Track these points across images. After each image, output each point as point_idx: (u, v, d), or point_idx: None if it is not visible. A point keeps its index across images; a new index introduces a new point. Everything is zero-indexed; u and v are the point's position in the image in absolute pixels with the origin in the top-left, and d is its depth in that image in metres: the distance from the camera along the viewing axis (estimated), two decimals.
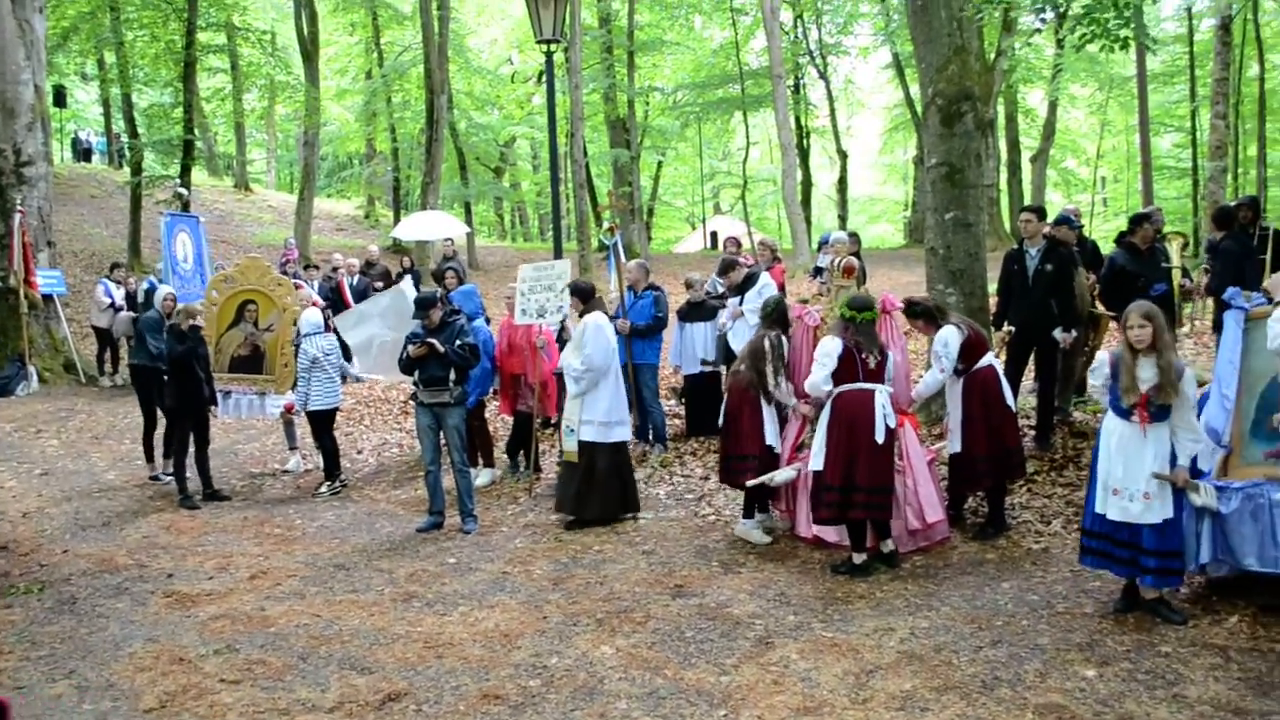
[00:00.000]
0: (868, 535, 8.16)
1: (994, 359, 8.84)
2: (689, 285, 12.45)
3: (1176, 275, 11.18)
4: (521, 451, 11.83)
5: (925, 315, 8.84)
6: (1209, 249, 10.89)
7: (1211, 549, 6.88)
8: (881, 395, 8.06)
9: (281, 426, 13.36)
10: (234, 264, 14.11)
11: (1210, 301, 10.93)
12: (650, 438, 11.90)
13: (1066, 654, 6.33)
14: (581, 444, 9.78)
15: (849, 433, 7.95)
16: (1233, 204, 12.37)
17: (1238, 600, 6.97)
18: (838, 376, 8.03)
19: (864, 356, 8.04)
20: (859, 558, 8.06)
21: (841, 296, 9.13)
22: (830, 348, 8.05)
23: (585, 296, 10.26)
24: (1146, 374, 6.65)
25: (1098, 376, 6.97)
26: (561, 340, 11.51)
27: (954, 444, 8.68)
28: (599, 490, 9.84)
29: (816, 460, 8.09)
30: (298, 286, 16.45)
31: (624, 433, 10.02)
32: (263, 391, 12.60)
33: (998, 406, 8.61)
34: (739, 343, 10.86)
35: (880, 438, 7.91)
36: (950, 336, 8.56)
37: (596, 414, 9.78)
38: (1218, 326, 10.64)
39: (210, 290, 12.81)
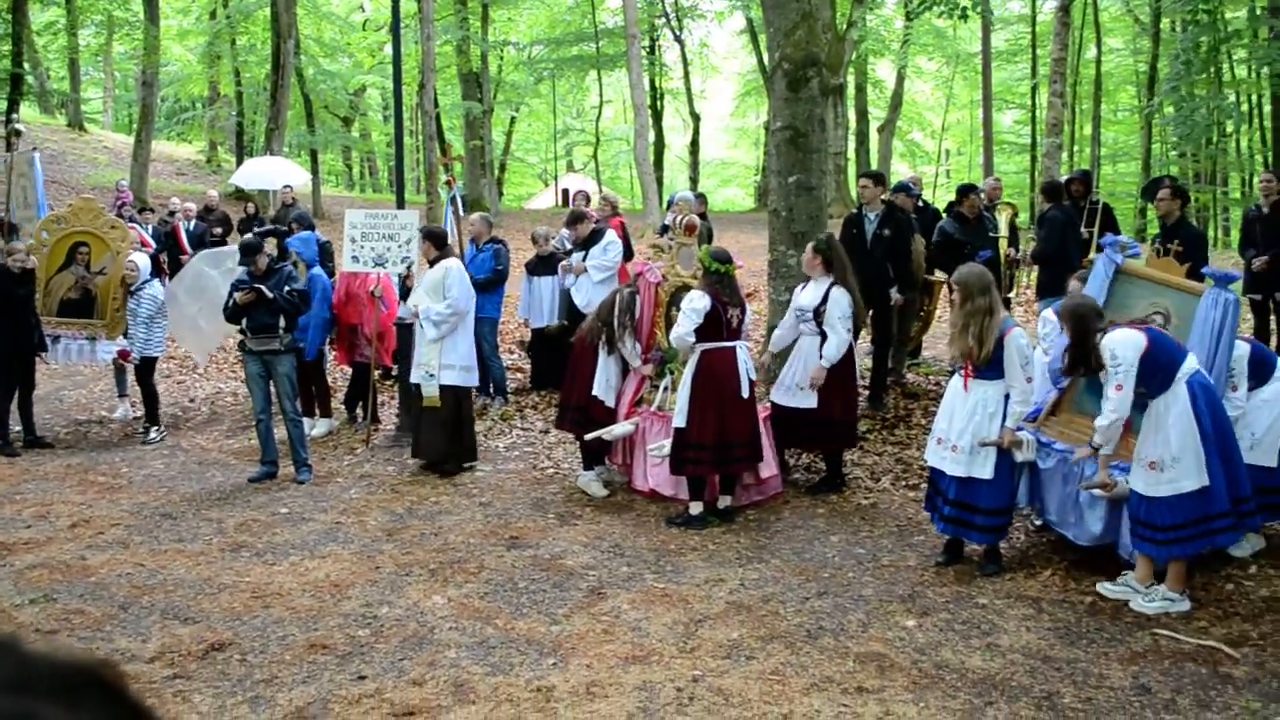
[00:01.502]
0: (707, 489, 8.27)
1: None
2: (535, 240, 12.38)
3: (1003, 244, 11.58)
4: (360, 402, 11.65)
5: (824, 257, 8.82)
6: (1038, 220, 11.29)
7: (1027, 497, 7.24)
8: (743, 351, 8.20)
9: (112, 373, 12.90)
10: (66, 205, 13.53)
11: (1036, 269, 11.34)
12: (490, 391, 11.83)
13: (889, 605, 6.52)
14: (444, 388, 9.69)
15: (717, 391, 8.03)
16: (1064, 178, 12.81)
17: (1052, 556, 7.27)
18: (702, 333, 8.04)
19: (728, 315, 8.09)
20: (696, 508, 8.16)
21: (682, 255, 9.19)
22: (700, 304, 8.05)
23: (439, 242, 10.10)
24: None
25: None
26: (405, 290, 11.33)
27: (808, 401, 8.73)
28: (468, 432, 9.94)
29: (679, 417, 8.13)
30: (131, 227, 15.93)
31: (475, 379, 10.05)
32: (93, 336, 12.14)
33: (848, 368, 8.80)
34: (582, 297, 10.83)
35: (745, 393, 8.05)
36: (845, 300, 8.64)
37: (458, 358, 9.74)
38: (1041, 292, 11.03)
39: (40, 231, 12.26)
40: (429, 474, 9.78)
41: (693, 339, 8.04)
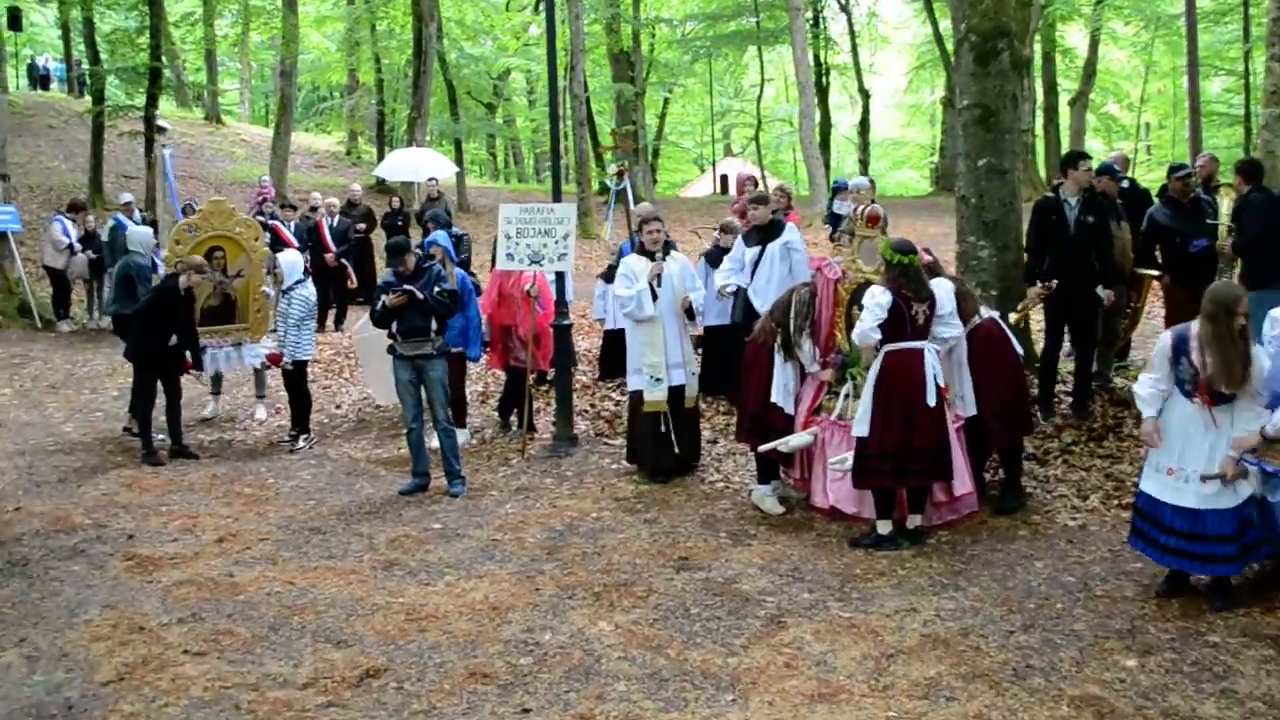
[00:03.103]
0: (896, 505, 8.10)
1: (992, 312, 8.77)
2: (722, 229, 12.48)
3: (1223, 231, 10.98)
4: (514, 409, 11.76)
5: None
6: (1235, 206, 10.71)
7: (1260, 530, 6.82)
8: (930, 353, 7.97)
9: (253, 376, 13.28)
10: (196, 210, 13.95)
11: (1239, 263, 10.73)
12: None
13: (1105, 642, 6.26)
14: (674, 390, 9.91)
15: (901, 396, 7.88)
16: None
17: None
18: (885, 333, 7.89)
19: (913, 311, 7.90)
20: (884, 527, 8.00)
21: (864, 249, 9.02)
22: (883, 299, 7.90)
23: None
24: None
25: (1159, 355, 6.87)
26: (560, 289, 11.34)
27: (968, 408, 8.55)
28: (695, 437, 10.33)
29: (861, 425, 8.00)
30: (274, 228, 16.37)
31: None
32: (238, 342, 12.53)
33: (1003, 358, 8.54)
34: (760, 299, 10.66)
35: (932, 400, 7.85)
36: (943, 288, 8.41)
37: (686, 355, 10.08)
38: (1249, 285, 10.44)
39: (173, 240, 12.65)
40: (629, 481, 9.91)
41: (878, 335, 7.86)
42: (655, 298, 9.85)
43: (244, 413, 13.32)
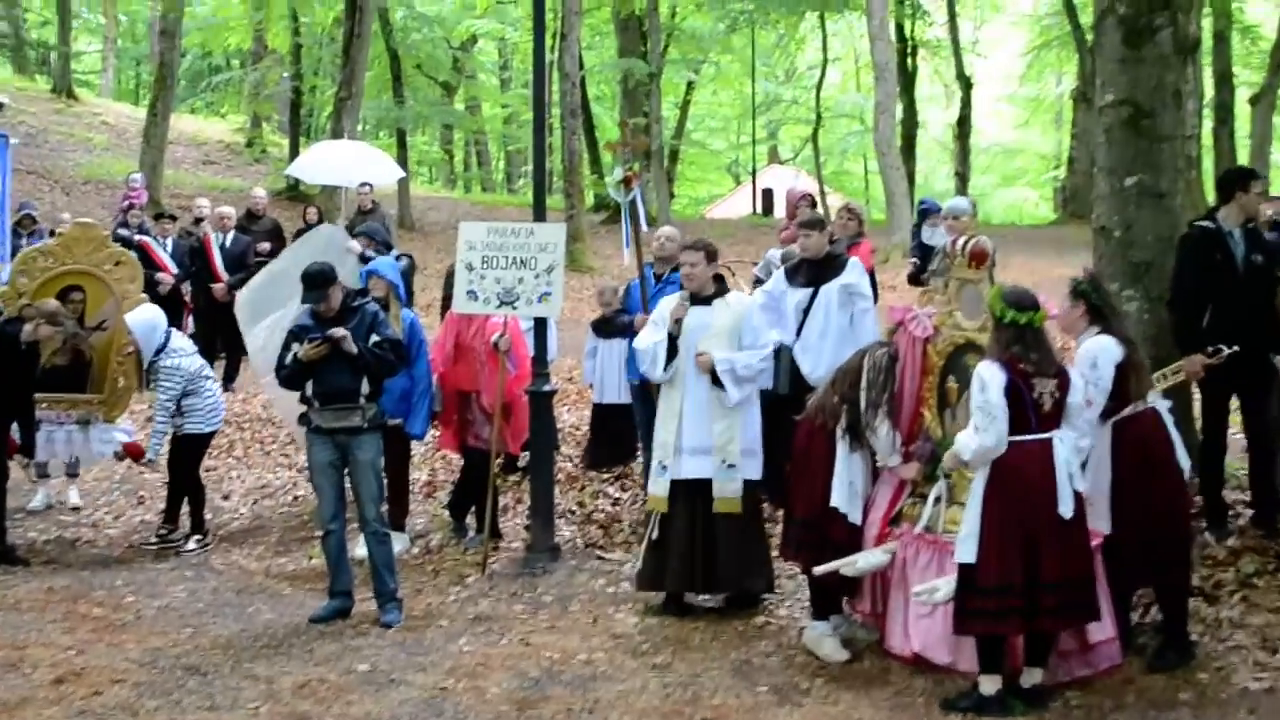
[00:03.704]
0: (1007, 655, 8.07)
1: (1159, 400, 8.74)
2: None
3: None
4: (473, 507, 11.79)
5: (1089, 305, 8.69)
6: None
7: None
8: (1064, 446, 7.95)
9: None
10: (57, 232, 13.95)
11: None
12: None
13: None
14: (747, 484, 9.85)
15: (1022, 506, 7.87)
16: None
17: None
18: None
19: (1037, 393, 7.90)
20: (990, 686, 7.97)
21: (966, 297, 9.05)
22: (992, 384, 7.85)
23: (716, 257, 10.28)
24: None
25: None
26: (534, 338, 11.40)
27: (1100, 523, 8.55)
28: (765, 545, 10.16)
29: (966, 547, 7.97)
30: (143, 246, 16.41)
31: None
32: (86, 419, 12.43)
33: (1163, 469, 8.51)
34: (810, 361, 10.73)
35: (1067, 509, 7.81)
36: (1105, 351, 8.43)
37: (756, 438, 9.99)
38: None
39: (17, 274, 12.59)
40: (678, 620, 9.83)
41: (1003, 447, 7.85)
42: (675, 354, 9.90)
43: (91, 499, 13.34)
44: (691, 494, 9.86)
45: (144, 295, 12.84)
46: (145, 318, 11.95)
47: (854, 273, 11.10)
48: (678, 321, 9.84)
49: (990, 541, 7.84)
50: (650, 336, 9.94)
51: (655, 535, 9.88)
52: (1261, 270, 9.90)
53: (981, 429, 7.79)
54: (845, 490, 8.82)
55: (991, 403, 7.75)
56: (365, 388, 9.83)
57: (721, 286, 10.19)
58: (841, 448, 8.85)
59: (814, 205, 14.04)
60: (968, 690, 8.08)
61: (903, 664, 8.72)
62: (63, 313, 11.72)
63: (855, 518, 8.85)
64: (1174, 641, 8.63)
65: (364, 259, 12.89)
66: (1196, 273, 10.03)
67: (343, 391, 9.78)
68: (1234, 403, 10.39)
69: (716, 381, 9.81)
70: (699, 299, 9.96)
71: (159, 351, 11.77)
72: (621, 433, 13.18)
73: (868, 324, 10.75)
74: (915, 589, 8.50)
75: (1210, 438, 10.25)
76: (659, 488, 9.88)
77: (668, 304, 10.05)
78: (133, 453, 12.13)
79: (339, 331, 9.60)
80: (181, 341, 12.12)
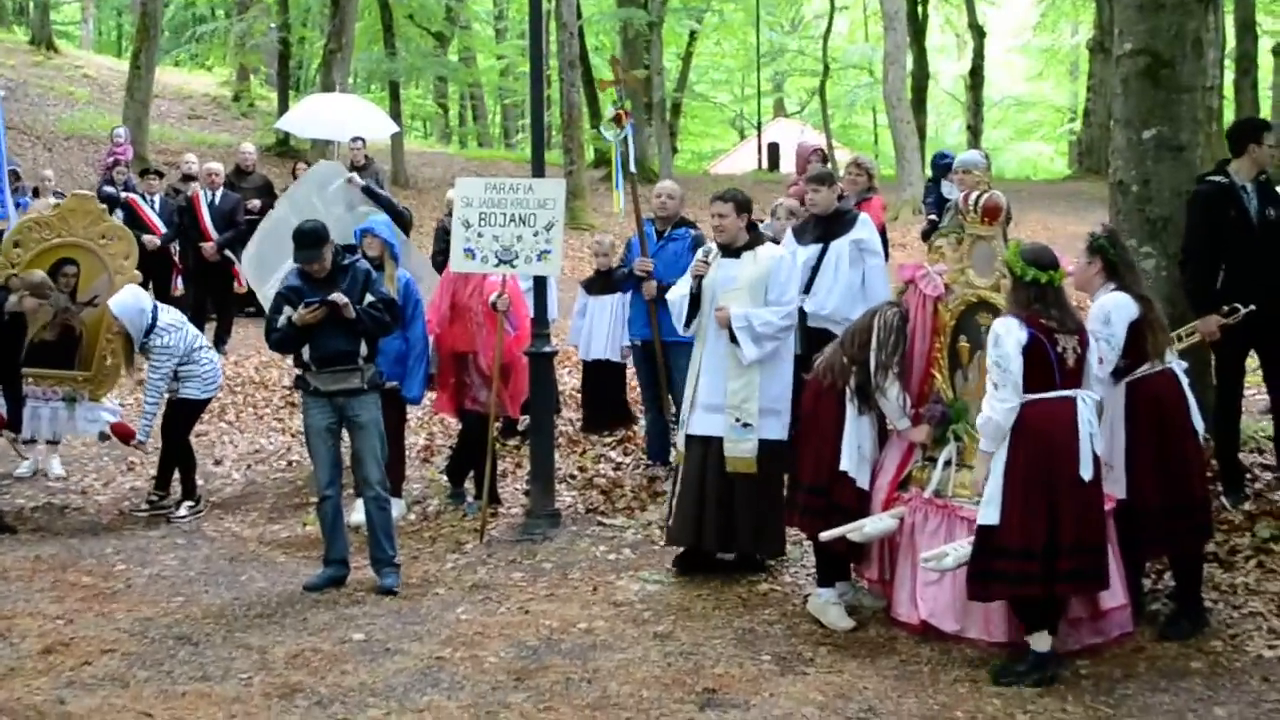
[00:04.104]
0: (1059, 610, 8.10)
1: (1175, 360, 8.74)
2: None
3: None
4: (471, 472, 11.85)
5: (1105, 261, 8.68)
6: None
7: None
8: (1086, 406, 7.94)
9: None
10: (51, 205, 13.86)
11: None
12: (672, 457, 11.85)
13: None
14: (765, 444, 9.81)
15: (1044, 466, 7.84)
16: None
17: None
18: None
19: (1060, 348, 7.91)
20: (1042, 643, 7.93)
21: (978, 253, 9.05)
22: (1010, 339, 7.81)
23: (748, 209, 10.19)
24: None
25: None
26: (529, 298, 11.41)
27: (1114, 487, 8.56)
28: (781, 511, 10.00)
29: (989, 509, 7.97)
30: (130, 204, 16.40)
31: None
32: (72, 396, 12.47)
33: (1179, 432, 8.52)
34: (817, 302, 10.77)
35: (1087, 471, 7.82)
36: (1120, 308, 8.42)
37: (779, 396, 9.94)
38: None
39: (11, 244, 12.61)
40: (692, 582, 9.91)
41: (1014, 406, 7.91)
42: (697, 309, 9.92)
43: (79, 465, 13.37)
44: (704, 450, 9.90)
45: (137, 272, 12.83)
46: (129, 300, 11.87)
47: (864, 229, 11.11)
48: (698, 278, 9.86)
49: (1014, 502, 7.83)
50: (680, 289, 9.97)
51: (677, 489, 9.94)
52: (1276, 225, 9.87)
53: (998, 385, 7.81)
54: (854, 454, 8.82)
55: (1007, 355, 7.77)
56: (363, 349, 9.87)
57: (755, 236, 10.13)
58: (850, 411, 8.85)
59: (825, 160, 14.04)
60: (1016, 656, 8.09)
61: (910, 632, 8.76)
62: (48, 285, 11.65)
63: (863, 482, 8.88)
64: (1188, 609, 8.65)
65: (367, 191, 12.97)
66: (1209, 230, 10.00)
67: (340, 354, 9.78)
68: (1250, 363, 10.42)
69: (733, 338, 9.78)
70: (729, 251, 9.96)
71: (148, 332, 11.77)
72: (613, 392, 13.20)
73: (879, 281, 10.75)
74: (923, 555, 8.51)
75: (1225, 399, 10.22)
76: (744, 448, 9.82)
77: (704, 254, 10.08)
78: (121, 434, 12.12)
79: (340, 298, 9.59)
80: (170, 316, 12.07)
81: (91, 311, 12.49)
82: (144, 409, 11.89)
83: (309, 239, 9.82)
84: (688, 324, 9.92)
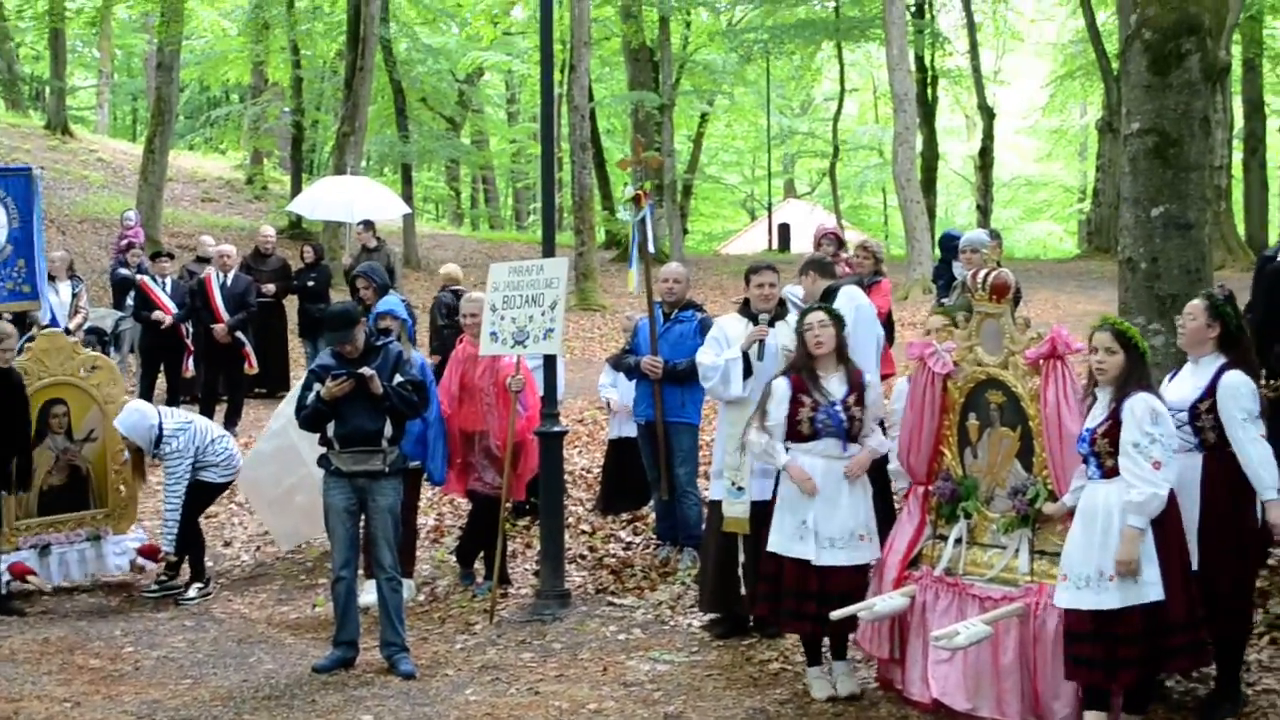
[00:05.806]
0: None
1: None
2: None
3: None
4: (481, 553, 11.83)
5: (1225, 329, 8.35)
6: None
7: None
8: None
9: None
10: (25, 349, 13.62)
11: None
12: (678, 537, 11.83)
13: None
14: (757, 506, 9.79)
15: (1180, 531, 7.88)
16: None
17: None
18: None
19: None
20: None
21: (986, 330, 9.05)
22: (1166, 414, 7.72)
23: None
24: None
25: None
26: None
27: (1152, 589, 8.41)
28: None
29: (1154, 588, 7.71)
30: (142, 287, 16.42)
31: None
32: (95, 535, 12.40)
33: (1245, 510, 8.39)
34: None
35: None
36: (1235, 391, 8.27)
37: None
38: None
39: None
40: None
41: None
42: (749, 373, 9.90)
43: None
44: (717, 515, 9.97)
45: (125, 396, 12.79)
46: (133, 417, 11.84)
47: (842, 298, 11.14)
48: (761, 343, 9.88)
49: (1174, 573, 7.73)
50: (714, 354, 9.98)
51: (743, 559, 9.88)
52: None
53: (1163, 464, 7.63)
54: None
55: (1171, 433, 7.72)
56: (389, 430, 9.87)
57: (781, 309, 10.26)
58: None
59: (840, 244, 13.97)
60: None
61: (921, 711, 8.69)
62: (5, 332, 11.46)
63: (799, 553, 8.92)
64: (1228, 691, 8.53)
65: None
66: (1267, 295, 10.13)
67: (365, 433, 9.79)
68: None
69: None
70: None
71: (158, 442, 11.74)
72: (637, 472, 13.13)
73: (867, 324, 10.65)
74: (934, 634, 8.47)
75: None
76: (739, 508, 9.81)
77: (731, 324, 10.15)
78: (149, 555, 12.17)
79: (368, 371, 9.63)
80: (176, 419, 12.05)
81: (92, 447, 12.44)
82: (164, 518, 11.85)
83: (340, 320, 9.92)
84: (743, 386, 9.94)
